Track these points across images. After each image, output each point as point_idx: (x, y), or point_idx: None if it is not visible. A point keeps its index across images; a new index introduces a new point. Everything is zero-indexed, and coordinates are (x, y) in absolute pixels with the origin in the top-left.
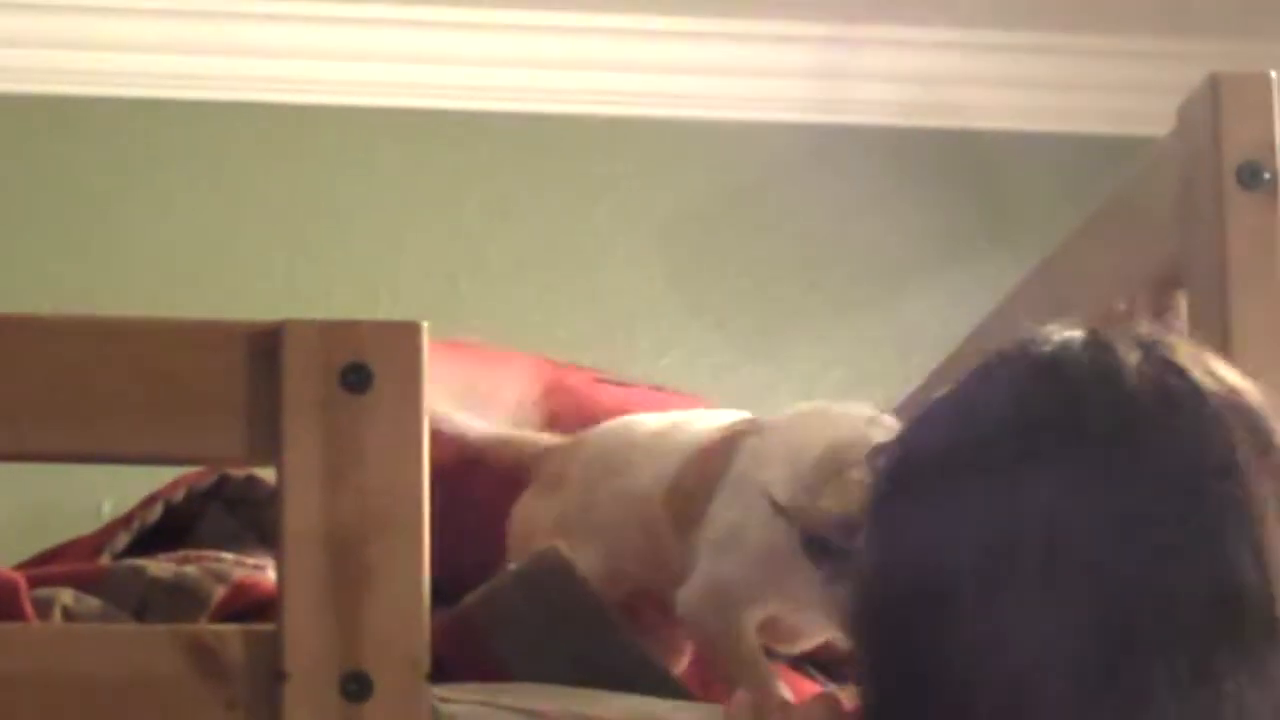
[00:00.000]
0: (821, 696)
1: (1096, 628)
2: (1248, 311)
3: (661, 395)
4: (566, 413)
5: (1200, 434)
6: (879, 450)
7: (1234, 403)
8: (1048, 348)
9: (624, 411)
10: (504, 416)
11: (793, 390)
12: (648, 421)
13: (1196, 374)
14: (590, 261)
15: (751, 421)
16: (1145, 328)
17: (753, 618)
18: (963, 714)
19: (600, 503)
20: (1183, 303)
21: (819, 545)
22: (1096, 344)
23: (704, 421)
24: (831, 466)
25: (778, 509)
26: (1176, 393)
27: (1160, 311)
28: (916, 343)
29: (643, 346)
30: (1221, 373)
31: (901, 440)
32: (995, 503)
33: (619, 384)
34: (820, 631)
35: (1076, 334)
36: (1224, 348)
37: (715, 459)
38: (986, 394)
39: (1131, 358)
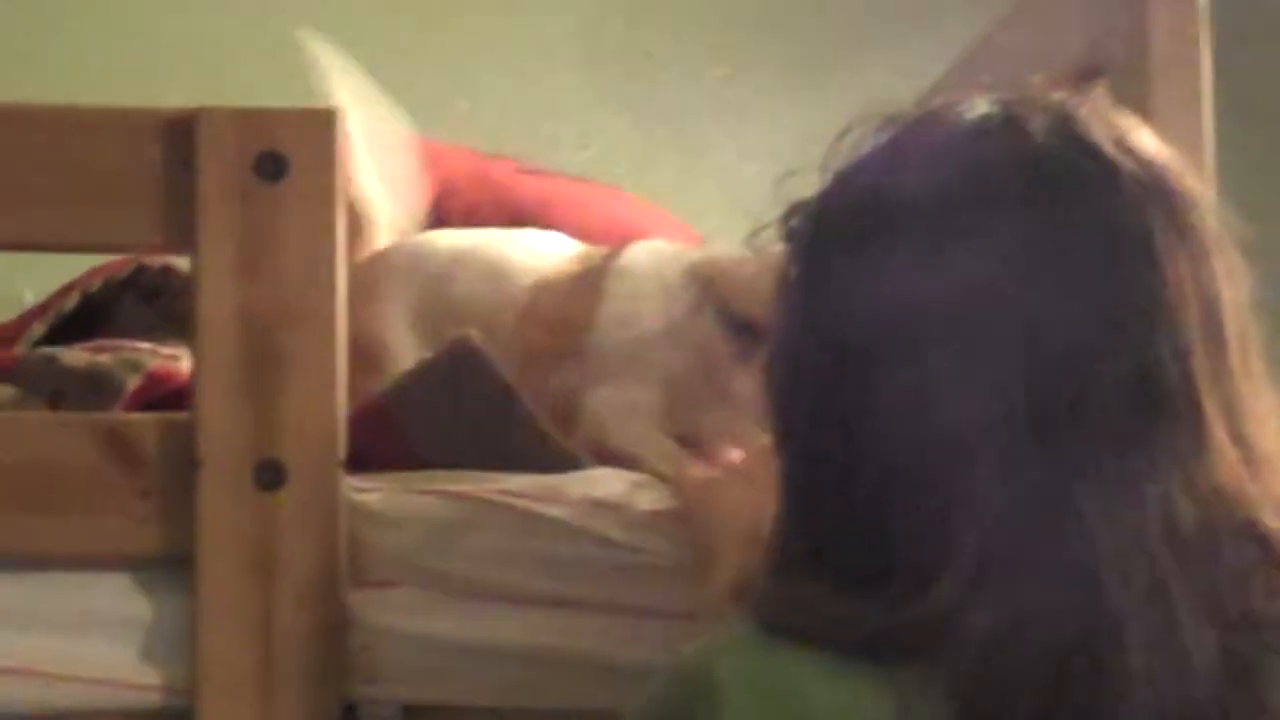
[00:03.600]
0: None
1: (1011, 412)
2: (1167, 100)
3: (581, 186)
4: (485, 203)
5: (1114, 216)
6: (795, 209)
7: (1149, 180)
8: (960, 125)
9: (545, 203)
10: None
11: (711, 183)
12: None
13: (1109, 151)
14: (513, 52)
15: (606, 254)
16: (1062, 100)
17: (663, 439)
18: (889, 475)
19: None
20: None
21: (737, 322)
22: (1008, 121)
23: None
24: (698, 276)
25: (698, 281)
26: (1088, 174)
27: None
28: (835, 134)
29: (564, 138)
30: (1139, 147)
31: (818, 203)
32: (906, 276)
33: (539, 175)
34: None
35: (990, 109)
36: None
37: (583, 291)
38: (901, 163)
39: (1043, 136)
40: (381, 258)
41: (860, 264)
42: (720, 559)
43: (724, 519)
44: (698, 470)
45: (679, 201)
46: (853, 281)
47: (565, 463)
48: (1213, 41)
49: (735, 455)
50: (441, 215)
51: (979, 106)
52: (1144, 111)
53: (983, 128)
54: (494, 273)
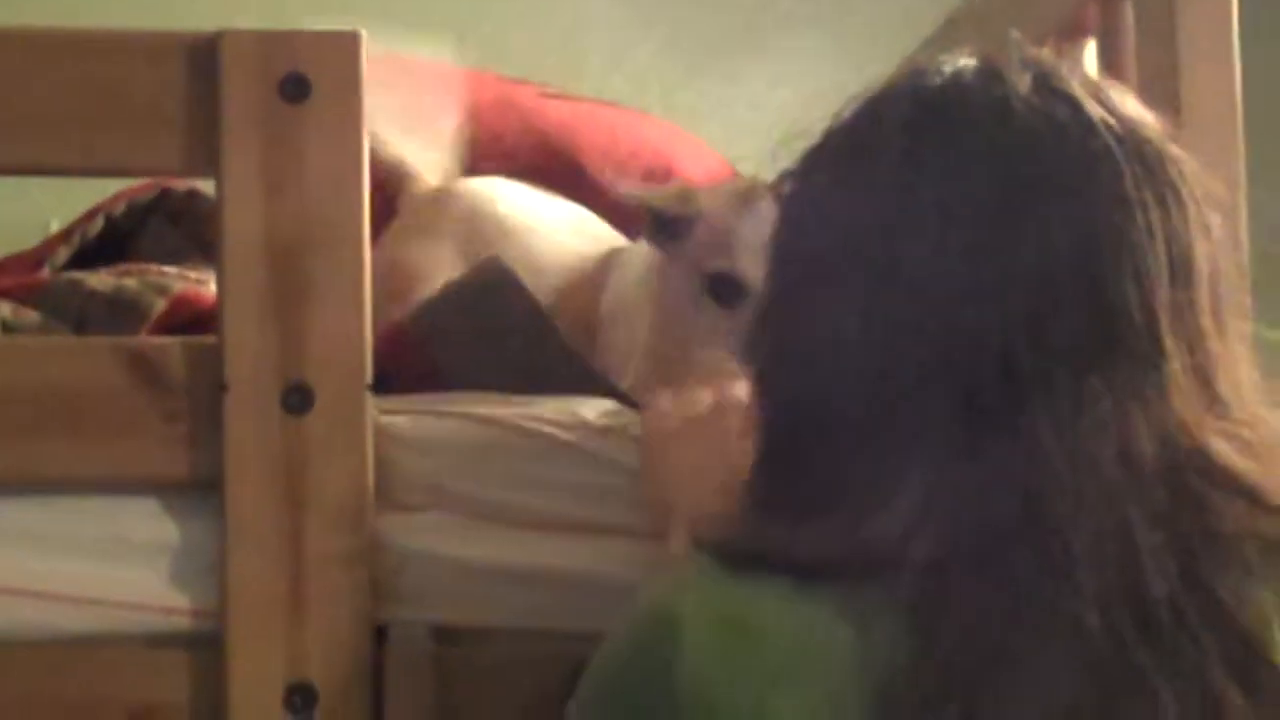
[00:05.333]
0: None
1: (969, 338)
2: (1193, 17)
3: (607, 110)
4: (511, 128)
5: (1087, 161)
6: (782, 178)
7: (1125, 133)
8: (939, 78)
9: (571, 127)
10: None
11: (741, 109)
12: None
13: (1088, 105)
14: None
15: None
16: (1040, 55)
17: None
18: (847, 404)
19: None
20: (1129, 15)
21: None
22: (988, 73)
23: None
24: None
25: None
26: (1064, 122)
27: (1108, 21)
28: (866, 58)
29: (593, 62)
30: (1116, 103)
31: (801, 159)
32: (881, 205)
33: (565, 99)
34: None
35: (969, 62)
36: (1169, 54)
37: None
38: (877, 117)
39: (1021, 85)
40: (444, 201)
41: (825, 201)
42: (672, 517)
43: (678, 479)
44: (662, 416)
45: (709, 127)
46: (814, 217)
47: (592, 382)
48: None
49: (703, 400)
50: (467, 139)
51: (960, 59)
52: (1170, 26)
53: (959, 80)
54: (530, 265)
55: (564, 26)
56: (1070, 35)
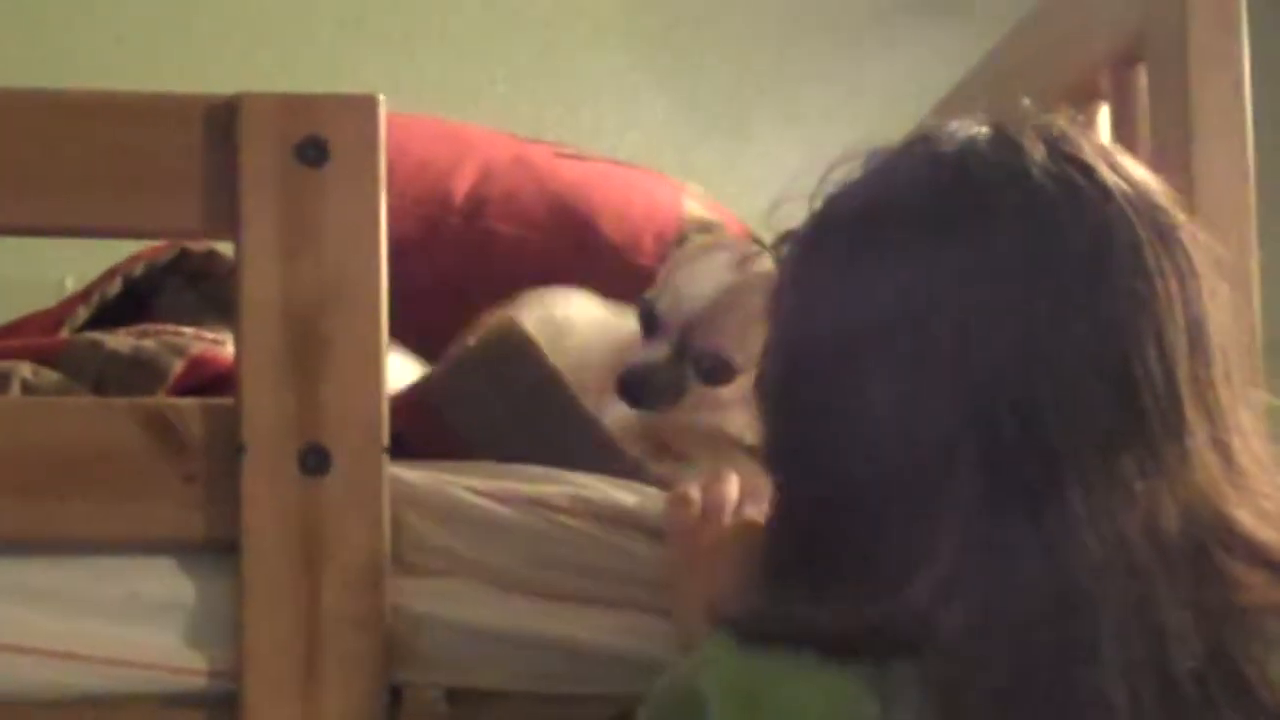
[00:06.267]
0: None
1: (1000, 413)
2: (1207, 85)
3: (621, 170)
4: (525, 187)
5: (1106, 230)
6: (785, 237)
7: (1139, 200)
8: (953, 145)
9: (585, 186)
10: (463, 191)
11: (755, 167)
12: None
13: (1102, 171)
14: (554, 35)
15: None
16: (1052, 120)
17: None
18: (871, 477)
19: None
20: (1143, 77)
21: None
22: (1002, 140)
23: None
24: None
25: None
26: (1082, 189)
27: (1120, 87)
28: (878, 118)
29: (606, 123)
30: (1129, 169)
31: (805, 235)
32: (902, 290)
33: (579, 158)
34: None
35: (982, 129)
36: (1184, 122)
37: None
38: (893, 186)
39: (1037, 153)
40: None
41: (844, 275)
42: (691, 628)
43: (700, 592)
44: (686, 506)
45: (723, 185)
46: (834, 291)
47: (608, 450)
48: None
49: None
50: (481, 200)
51: (970, 126)
52: (1184, 99)
53: (973, 147)
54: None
55: (577, 86)
56: (1083, 100)
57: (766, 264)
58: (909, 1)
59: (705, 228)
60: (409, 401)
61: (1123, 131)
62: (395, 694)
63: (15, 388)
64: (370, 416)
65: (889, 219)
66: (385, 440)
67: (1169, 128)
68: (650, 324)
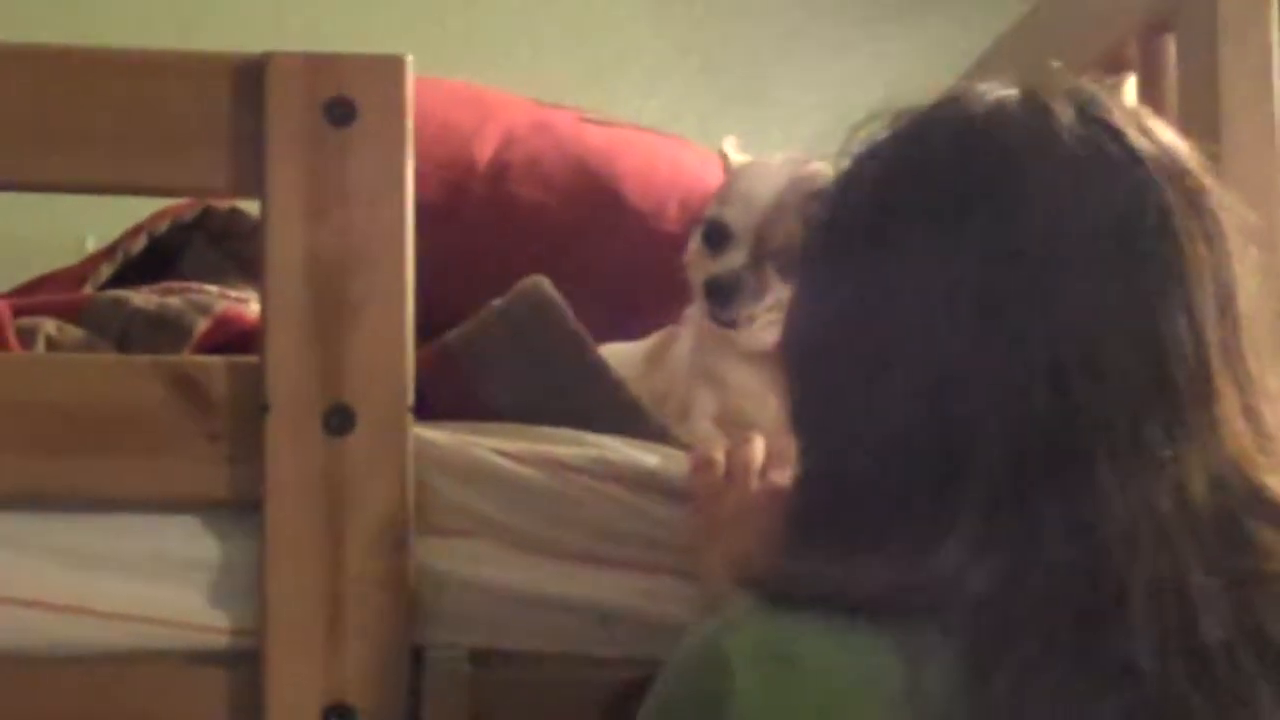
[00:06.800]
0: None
1: (1029, 380)
2: (1236, 57)
3: (646, 136)
4: (549, 152)
5: (1135, 195)
6: (815, 197)
7: (1169, 164)
8: (982, 107)
9: (609, 152)
10: (486, 157)
11: (779, 134)
12: None
13: (1131, 135)
14: (577, 2)
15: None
16: (1082, 84)
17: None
18: (904, 439)
19: None
20: (1171, 47)
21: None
22: (1032, 104)
23: None
24: None
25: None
26: (1111, 155)
27: (1149, 57)
28: (903, 85)
29: (629, 88)
30: (1158, 133)
31: (834, 197)
32: (931, 254)
33: (603, 124)
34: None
35: (1012, 92)
36: (1212, 93)
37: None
38: (921, 152)
39: (1066, 118)
40: None
41: (873, 241)
42: (716, 590)
43: (725, 554)
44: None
45: (746, 152)
46: (863, 257)
47: (633, 410)
48: None
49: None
50: (504, 165)
51: (1000, 89)
52: (1212, 69)
53: (1002, 110)
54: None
55: (599, 54)
56: (1111, 70)
57: (813, 163)
58: None
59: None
60: (434, 361)
61: (1151, 102)
62: (417, 654)
63: (40, 344)
64: (395, 377)
65: (916, 183)
66: (410, 401)
67: (1197, 99)
68: (718, 236)
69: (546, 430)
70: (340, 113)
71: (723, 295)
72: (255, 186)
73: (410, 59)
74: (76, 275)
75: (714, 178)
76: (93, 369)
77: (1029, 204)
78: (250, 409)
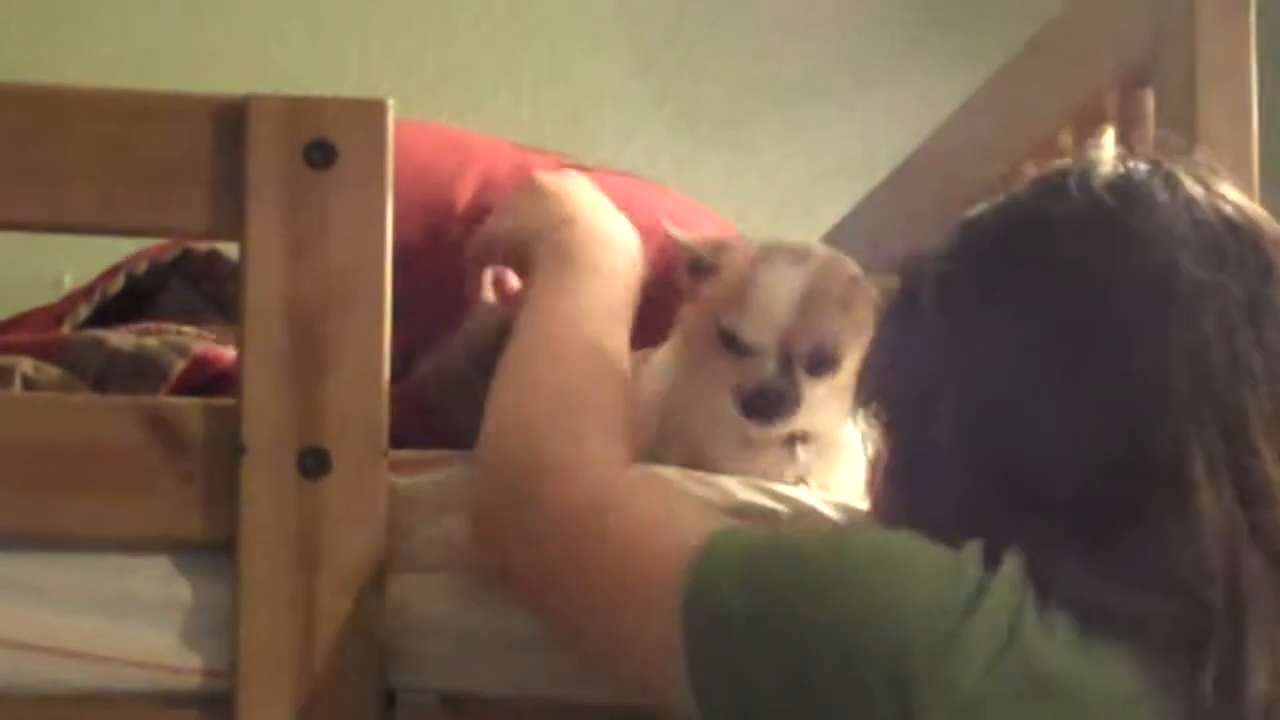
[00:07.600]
0: None
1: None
2: (1214, 108)
3: (625, 181)
4: None
5: (1261, 264)
6: (917, 257)
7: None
8: (1119, 170)
9: None
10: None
11: (755, 181)
12: None
13: (1251, 210)
14: (556, 46)
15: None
16: (1209, 165)
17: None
18: (1007, 485)
19: None
20: (1150, 100)
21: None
22: (1166, 174)
23: None
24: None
25: None
26: (1241, 228)
27: (1127, 110)
28: (880, 135)
29: (607, 134)
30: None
31: (953, 254)
32: (1066, 308)
33: (582, 169)
34: None
35: (1140, 163)
36: (1190, 144)
37: None
38: (1059, 208)
39: (1198, 191)
40: None
41: (1000, 309)
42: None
43: None
44: None
45: (723, 199)
46: (993, 327)
47: None
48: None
49: None
50: (483, 208)
51: (1106, 168)
52: (1191, 122)
53: (1134, 179)
54: None
55: (577, 100)
56: (1090, 123)
57: (820, 251)
58: (912, 17)
59: (717, 248)
60: (405, 397)
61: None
62: (390, 698)
63: (16, 383)
64: (371, 420)
65: (1037, 246)
66: (385, 445)
67: (1176, 146)
68: (741, 347)
69: None
70: (320, 156)
71: (767, 411)
72: (235, 228)
73: (391, 103)
74: (54, 314)
75: (691, 223)
76: (69, 408)
77: (1140, 261)
78: (226, 450)
